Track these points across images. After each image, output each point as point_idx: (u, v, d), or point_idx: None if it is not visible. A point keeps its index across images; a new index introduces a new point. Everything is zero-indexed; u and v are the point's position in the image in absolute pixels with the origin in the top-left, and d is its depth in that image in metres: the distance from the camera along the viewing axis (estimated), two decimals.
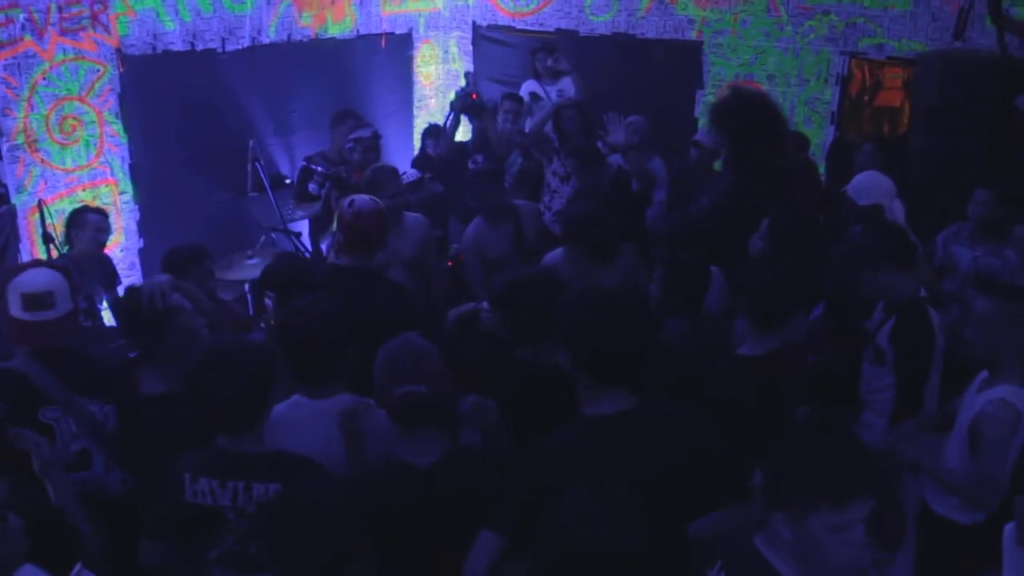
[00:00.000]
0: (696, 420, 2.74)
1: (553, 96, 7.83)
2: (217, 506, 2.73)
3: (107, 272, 5.61)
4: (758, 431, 3.05)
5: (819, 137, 7.45)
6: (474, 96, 7.09)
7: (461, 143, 7.71)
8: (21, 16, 5.60)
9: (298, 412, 3.10)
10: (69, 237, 5.33)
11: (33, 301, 3.21)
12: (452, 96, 7.90)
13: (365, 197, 4.27)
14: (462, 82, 9.08)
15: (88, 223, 5.30)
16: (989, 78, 6.04)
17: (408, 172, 6.36)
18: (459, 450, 2.86)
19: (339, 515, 2.36)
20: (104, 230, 5.39)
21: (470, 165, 6.91)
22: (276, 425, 2.97)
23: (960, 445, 3.56)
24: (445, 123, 7.53)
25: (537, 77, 8.00)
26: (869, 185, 5.05)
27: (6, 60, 5.59)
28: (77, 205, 5.91)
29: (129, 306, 3.49)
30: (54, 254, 5.25)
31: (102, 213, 5.46)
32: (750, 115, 5.18)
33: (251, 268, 5.91)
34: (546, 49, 7.97)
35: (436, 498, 2.67)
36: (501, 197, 6.05)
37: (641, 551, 2.20)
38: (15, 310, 3.22)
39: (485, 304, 3.90)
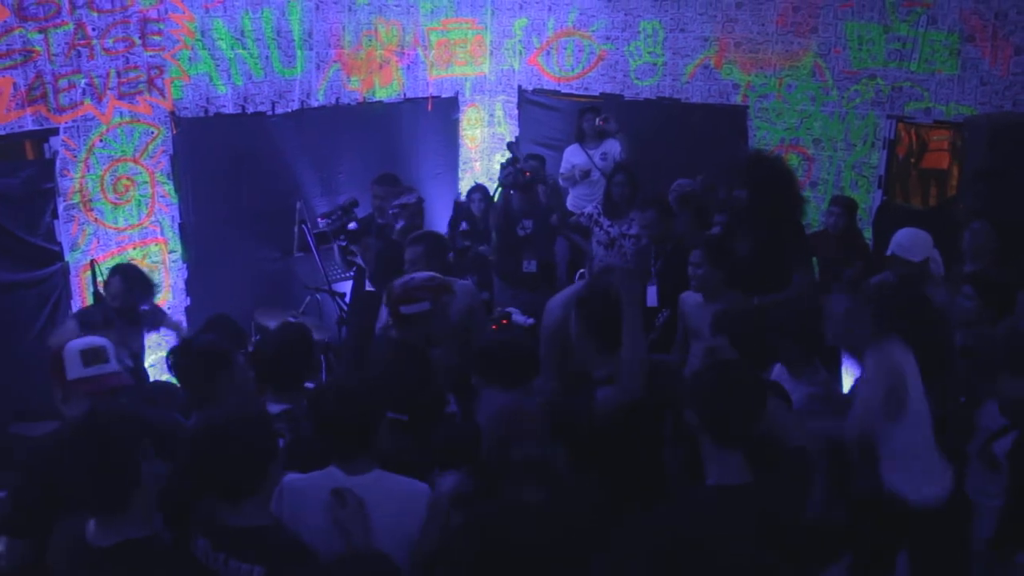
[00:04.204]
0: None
1: (597, 159, 7.86)
2: (210, 568, 2.67)
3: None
4: None
5: (866, 201, 7.40)
6: (528, 174, 7.07)
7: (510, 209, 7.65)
8: (82, 81, 5.78)
9: (328, 483, 2.97)
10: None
11: (91, 355, 3.28)
12: (498, 161, 7.89)
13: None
14: (506, 146, 9.17)
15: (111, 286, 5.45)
16: None
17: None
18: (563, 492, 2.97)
19: None
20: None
21: (519, 232, 6.92)
22: (304, 493, 2.93)
23: None
24: (493, 197, 7.53)
25: (581, 139, 8.03)
26: (916, 241, 5.11)
27: (66, 123, 5.76)
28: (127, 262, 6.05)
29: (181, 356, 3.57)
30: None
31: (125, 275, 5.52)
32: (767, 174, 5.23)
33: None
34: (594, 109, 8.02)
35: (548, 536, 2.76)
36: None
37: None
38: (74, 371, 3.26)
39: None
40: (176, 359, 3.59)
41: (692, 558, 2.56)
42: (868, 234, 7.24)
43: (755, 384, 3.03)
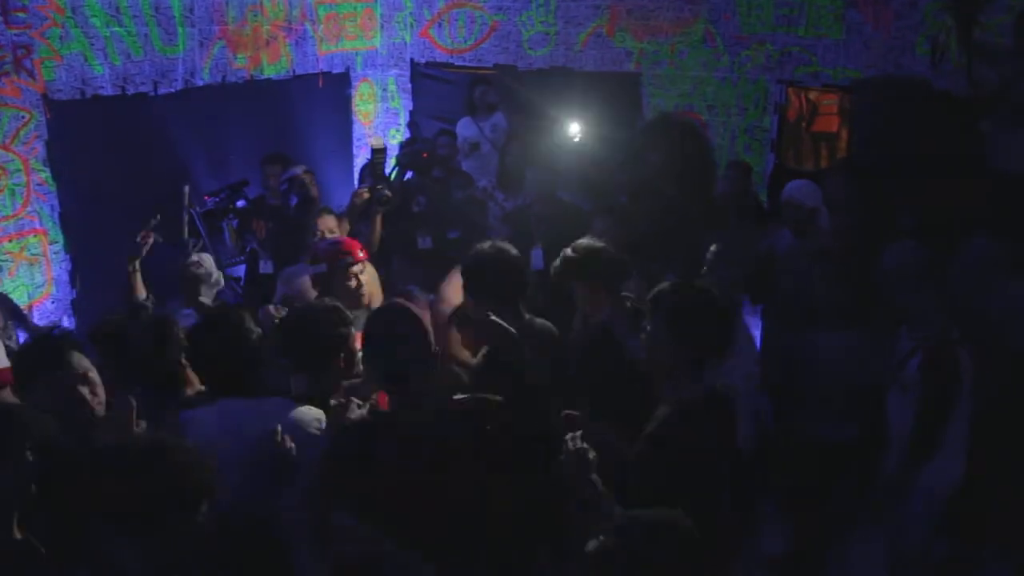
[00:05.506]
0: None
1: (487, 131, 7.79)
2: None
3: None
4: None
5: (759, 165, 7.51)
6: (425, 155, 6.94)
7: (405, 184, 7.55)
8: None
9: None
10: None
11: None
12: (392, 137, 7.74)
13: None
14: (402, 121, 9.04)
15: None
16: (921, 103, 6.16)
17: None
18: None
19: None
20: None
21: (413, 208, 6.80)
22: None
23: None
24: (390, 174, 7.37)
25: (472, 112, 7.94)
26: (811, 190, 5.31)
27: None
28: (2, 256, 5.72)
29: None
30: None
31: None
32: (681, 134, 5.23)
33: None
34: (485, 81, 7.95)
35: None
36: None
37: None
38: None
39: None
40: None
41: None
42: (763, 197, 7.36)
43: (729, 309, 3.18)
